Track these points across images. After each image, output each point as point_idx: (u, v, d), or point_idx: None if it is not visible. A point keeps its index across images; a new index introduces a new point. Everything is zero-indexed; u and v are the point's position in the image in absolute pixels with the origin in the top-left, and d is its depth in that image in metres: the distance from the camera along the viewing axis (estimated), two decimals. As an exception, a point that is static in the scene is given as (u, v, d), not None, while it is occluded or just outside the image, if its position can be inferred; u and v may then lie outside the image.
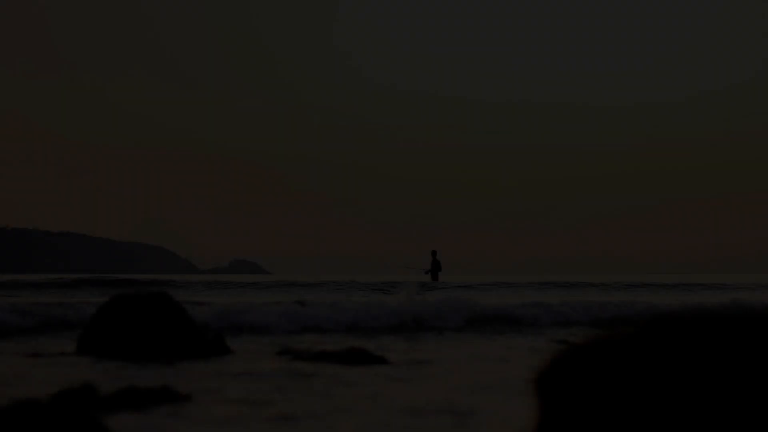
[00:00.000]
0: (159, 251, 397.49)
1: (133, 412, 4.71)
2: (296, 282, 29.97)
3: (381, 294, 28.42)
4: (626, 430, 2.43)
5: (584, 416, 2.50)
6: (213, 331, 9.18)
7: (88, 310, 9.42)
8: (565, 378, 2.57)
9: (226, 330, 10.30)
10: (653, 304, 16.77)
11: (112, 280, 28.76)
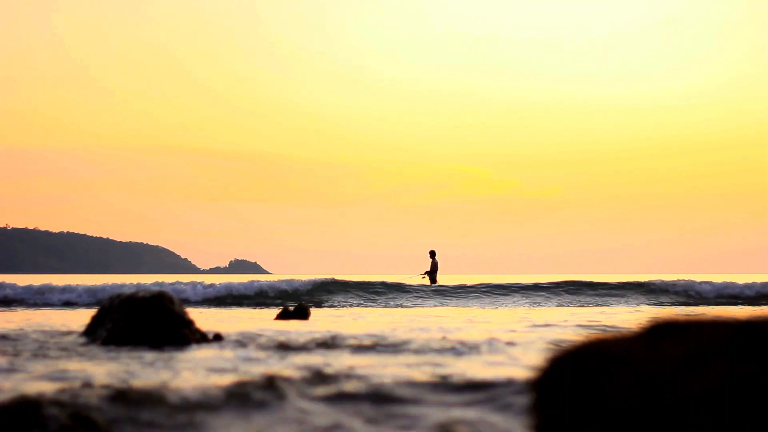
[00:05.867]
0: (159, 251, 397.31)
1: (132, 411, 4.71)
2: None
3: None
4: (626, 430, 2.42)
5: (584, 416, 2.49)
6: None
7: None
8: (565, 378, 2.56)
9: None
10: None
11: None
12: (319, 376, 5.64)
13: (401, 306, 24.20)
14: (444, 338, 9.34)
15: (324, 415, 4.45)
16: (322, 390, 5.08)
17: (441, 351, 7.86)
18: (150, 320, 8.65)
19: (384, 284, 29.86)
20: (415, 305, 24.91)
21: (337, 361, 7.03)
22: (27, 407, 3.73)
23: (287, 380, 5.26)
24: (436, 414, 4.44)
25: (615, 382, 2.48)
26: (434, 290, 29.49)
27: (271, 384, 4.98)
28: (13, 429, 3.62)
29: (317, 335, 9.63)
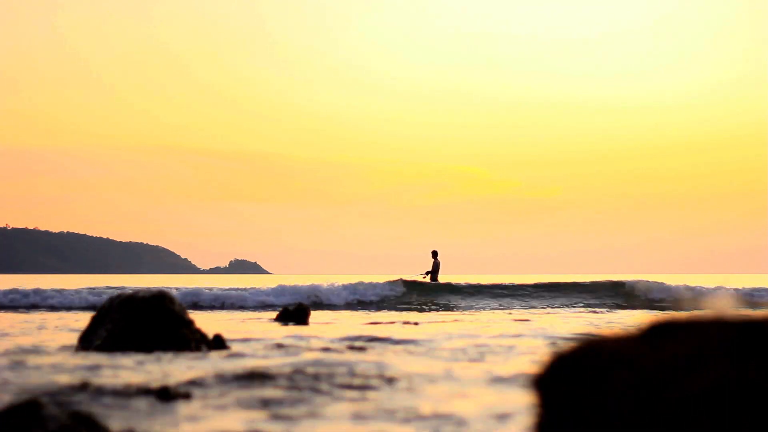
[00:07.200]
0: (159, 251, 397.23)
1: (132, 411, 4.71)
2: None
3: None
4: (626, 430, 2.42)
5: (584, 417, 2.49)
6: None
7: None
8: (565, 378, 2.57)
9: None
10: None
11: None
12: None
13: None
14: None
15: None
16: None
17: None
18: (150, 320, 8.65)
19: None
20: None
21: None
22: (27, 407, 3.73)
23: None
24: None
25: (615, 382, 2.48)
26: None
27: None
28: (14, 429, 3.62)
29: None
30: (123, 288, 25.65)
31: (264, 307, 24.26)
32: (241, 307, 24.27)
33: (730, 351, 2.42)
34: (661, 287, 29.62)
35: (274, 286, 28.44)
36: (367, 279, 31.20)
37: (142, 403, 4.95)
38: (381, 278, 31.50)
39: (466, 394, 5.49)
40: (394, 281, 29.10)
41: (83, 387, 5.16)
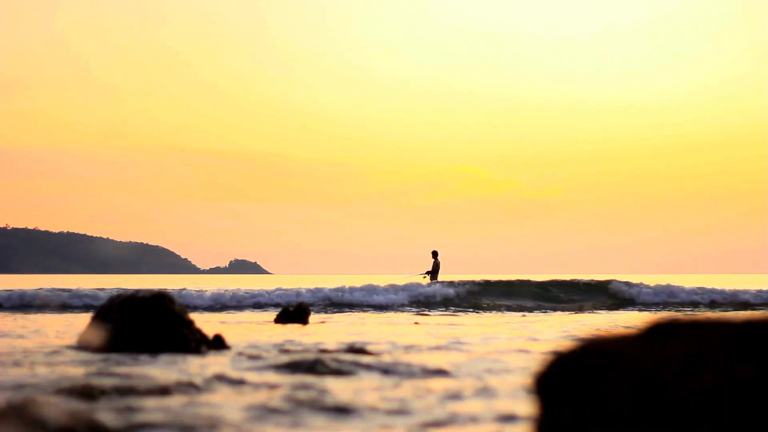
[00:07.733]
0: (159, 251, 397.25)
1: (132, 411, 4.71)
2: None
3: None
4: (626, 430, 2.42)
5: (584, 416, 2.50)
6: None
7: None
8: (565, 378, 2.57)
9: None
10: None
11: None
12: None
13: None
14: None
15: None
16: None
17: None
18: (150, 321, 8.65)
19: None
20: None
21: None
22: (27, 407, 3.74)
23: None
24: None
25: (615, 382, 2.48)
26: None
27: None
28: (14, 429, 3.63)
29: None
30: (122, 288, 25.69)
31: (264, 307, 24.38)
32: (243, 307, 24.39)
33: (730, 351, 2.42)
34: (661, 288, 29.61)
35: (274, 286, 28.51)
36: (366, 279, 31.23)
37: (141, 403, 4.95)
38: (381, 278, 31.51)
39: (463, 396, 5.49)
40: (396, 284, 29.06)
41: (83, 387, 5.16)
